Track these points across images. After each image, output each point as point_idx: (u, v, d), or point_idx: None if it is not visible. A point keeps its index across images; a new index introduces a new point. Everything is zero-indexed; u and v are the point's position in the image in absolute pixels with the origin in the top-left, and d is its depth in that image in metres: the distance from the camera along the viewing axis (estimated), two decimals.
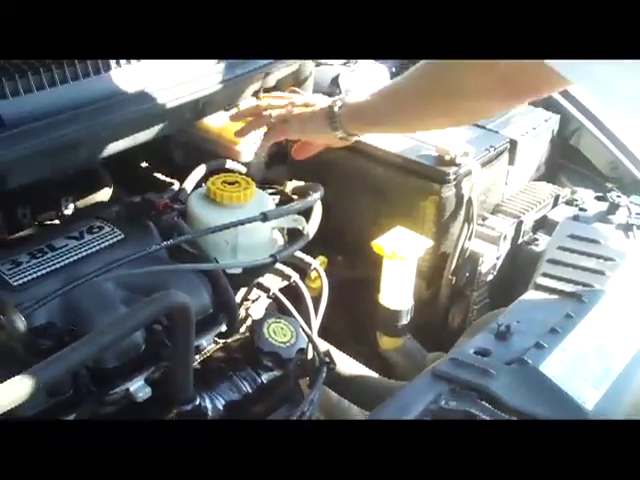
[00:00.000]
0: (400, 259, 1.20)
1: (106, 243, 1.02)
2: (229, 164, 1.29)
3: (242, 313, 1.15)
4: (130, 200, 1.11)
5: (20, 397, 0.70)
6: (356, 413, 1.22)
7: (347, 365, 1.25)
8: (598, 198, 1.36)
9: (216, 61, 1.14)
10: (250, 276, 1.12)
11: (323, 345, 1.16)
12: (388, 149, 1.32)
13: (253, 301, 1.19)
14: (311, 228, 1.15)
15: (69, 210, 1.16)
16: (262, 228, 1.09)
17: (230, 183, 1.12)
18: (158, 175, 1.36)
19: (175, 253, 1.05)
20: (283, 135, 1.18)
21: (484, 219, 1.36)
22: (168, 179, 1.33)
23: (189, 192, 1.18)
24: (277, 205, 1.18)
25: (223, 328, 1.04)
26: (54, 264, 0.97)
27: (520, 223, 1.36)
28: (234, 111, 1.24)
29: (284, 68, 1.28)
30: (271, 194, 1.22)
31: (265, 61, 1.20)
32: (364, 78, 1.52)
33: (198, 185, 1.20)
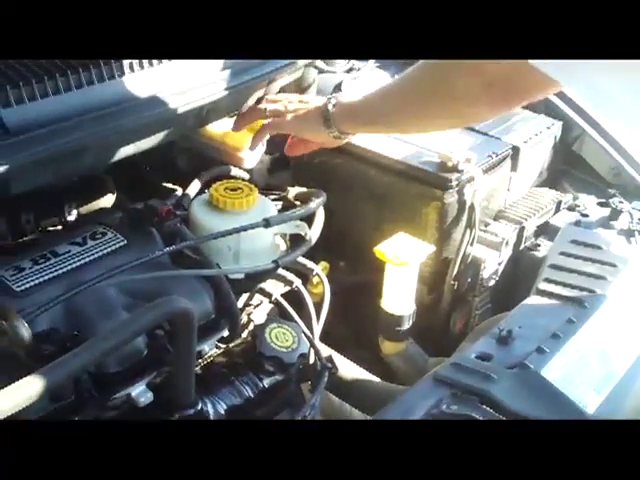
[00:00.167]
0: (402, 264, 1.20)
1: (109, 249, 1.02)
2: (232, 170, 1.30)
3: (244, 318, 1.16)
4: (133, 206, 1.11)
5: (22, 402, 0.70)
6: (358, 417, 1.22)
7: (349, 370, 1.26)
8: (600, 204, 1.37)
9: (220, 68, 1.15)
10: (252, 281, 1.13)
11: (325, 350, 1.17)
12: (391, 155, 1.33)
13: (255, 306, 1.19)
14: (313, 234, 1.16)
15: (72, 216, 1.17)
16: (264, 234, 1.10)
17: (233, 189, 1.12)
18: (161, 181, 1.36)
19: (177, 259, 1.05)
20: (277, 129, 1.18)
21: (486, 225, 1.36)
22: (171, 185, 1.33)
23: (192, 198, 1.18)
24: (280, 211, 1.19)
25: (225, 333, 1.04)
26: (57, 270, 0.97)
27: (522, 229, 1.36)
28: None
29: (287, 75, 1.28)
30: (274, 200, 1.22)
31: (269, 68, 1.20)
32: (366, 85, 1.53)
33: (201, 191, 1.21)
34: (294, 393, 1.10)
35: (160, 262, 1.01)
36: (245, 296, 1.17)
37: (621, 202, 1.31)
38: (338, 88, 1.54)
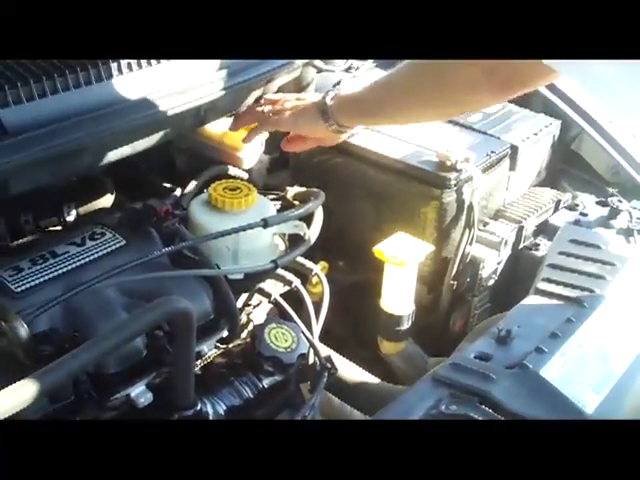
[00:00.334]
0: (401, 264, 1.20)
1: (108, 249, 1.02)
2: (231, 170, 1.30)
3: (243, 318, 1.16)
4: (132, 206, 1.11)
5: (21, 403, 0.71)
6: (357, 417, 1.22)
7: (348, 370, 1.25)
8: (599, 203, 1.37)
9: (218, 68, 1.15)
10: (251, 282, 1.13)
11: (324, 350, 1.17)
12: (389, 155, 1.33)
13: (254, 306, 1.19)
14: (312, 234, 1.16)
15: (71, 216, 1.17)
16: (263, 234, 1.10)
17: (232, 189, 1.12)
18: (160, 181, 1.36)
19: (176, 259, 1.05)
20: (275, 126, 1.18)
21: (485, 224, 1.36)
22: (170, 185, 1.33)
23: (191, 198, 1.18)
24: (278, 211, 1.19)
25: (224, 333, 1.05)
26: (56, 270, 0.97)
27: (521, 228, 1.36)
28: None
29: (286, 74, 1.28)
30: (273, 200, 1.22)
31: (266, 67, 1.20)
32: (365, 84, 1.52)
33: (200, 191, 1.21)
34: (294, 393, 1.10)
35: (159, 262, 1.01)
36: (244, 296, 1.17)
37: (620, 201, 1.31)
38: (336, 87, 1.53)
